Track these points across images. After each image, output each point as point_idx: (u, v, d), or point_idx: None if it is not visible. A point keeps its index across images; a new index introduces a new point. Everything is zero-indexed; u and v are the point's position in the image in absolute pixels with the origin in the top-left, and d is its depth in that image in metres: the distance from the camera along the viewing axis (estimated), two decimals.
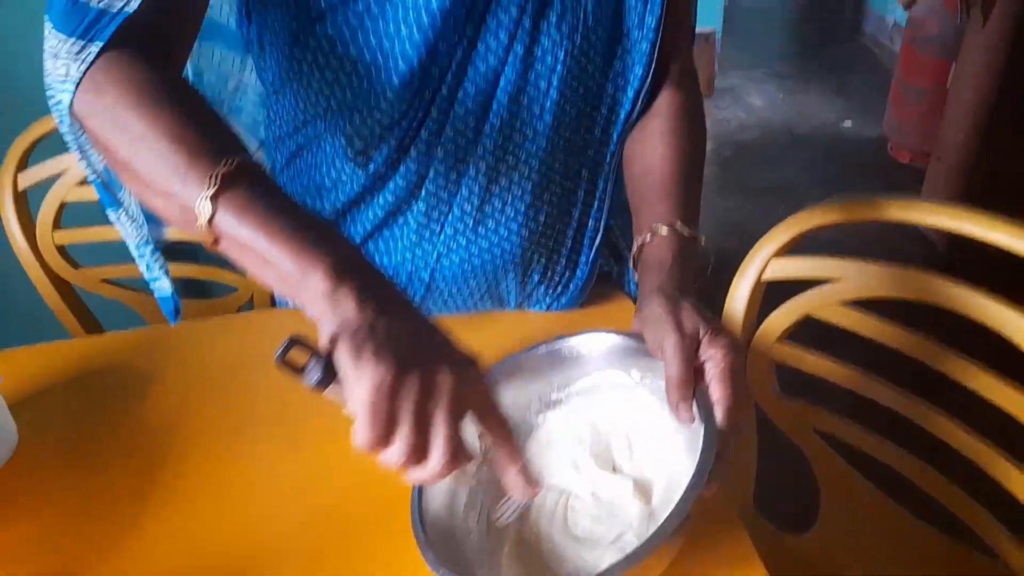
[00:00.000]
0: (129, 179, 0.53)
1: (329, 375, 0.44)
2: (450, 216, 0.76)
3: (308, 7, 0.66)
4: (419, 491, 0.56)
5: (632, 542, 0.56)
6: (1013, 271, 0.85)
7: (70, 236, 1.21)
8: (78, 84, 0.53)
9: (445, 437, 0.43)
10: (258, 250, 0.47)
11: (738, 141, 3.25)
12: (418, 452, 0.43)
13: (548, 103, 0.72)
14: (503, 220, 0.76)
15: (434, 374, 0.44)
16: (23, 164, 1.18)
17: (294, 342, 0.46)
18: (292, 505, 0.66)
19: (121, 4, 0.53)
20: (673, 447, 0.59)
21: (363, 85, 0.68)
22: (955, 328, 0.78)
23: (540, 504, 0.61)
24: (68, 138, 0.61)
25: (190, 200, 0.47)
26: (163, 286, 0.75)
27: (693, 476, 0.48)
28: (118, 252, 1.30)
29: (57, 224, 1.20)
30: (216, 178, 0.47)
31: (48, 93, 0.57)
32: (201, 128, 0.50)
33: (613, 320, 0.85)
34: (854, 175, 2.98)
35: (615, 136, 0.77)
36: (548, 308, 0.86)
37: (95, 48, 0.53)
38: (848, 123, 3.34)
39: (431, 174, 0.74)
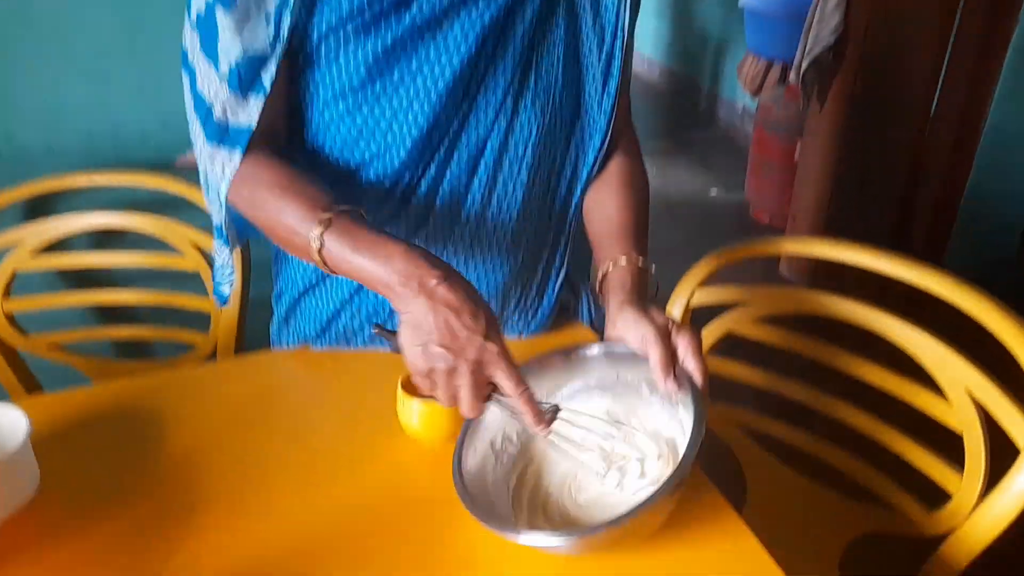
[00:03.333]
0: (268, 232, 0.78)
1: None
2: (444, 256, 0.90)
3: (340, 83, 0.81)
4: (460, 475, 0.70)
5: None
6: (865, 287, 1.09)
7: (19, 304, 1.25)
8: (231, 180, 0.78)
9: (465, 398, 0.67)
10: (355, 268, 0.69)
11: None
12: (452, 402, 0.68)
13: (524, 164, 0.89)
14: (489, 258, 0.91)
15: (464, 358, 0.65)
16: None
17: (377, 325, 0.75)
18: (311, 531, 0.72)
19: (247, 122, 0.77)
20: (655, 421, 0.76)
21: (381, 142, 0.84)
22: (838, 331, 1.00)
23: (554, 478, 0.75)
24: (213, 207, 0.83)
25: (308, 239, 0.71)
26: (223, 291, 0.95)
27: (694, 425, 0.64)
28: (68, 318, 1.33)
29: (7, 293, 1.23)
30: (322, 222, 0.71)
31: (206, 184, 0.83)
32: (311, 195, 0.74)
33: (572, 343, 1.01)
34: (723, 236, 3.35)
35: (578, 190, 0.95)
36: (520, 335, 1.00)
37: (238, 155, 0.77)
38: (714, 191, 3.75)
39: (429, 221, 0.89)
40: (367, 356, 0.98)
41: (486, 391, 0.68)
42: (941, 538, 0.86)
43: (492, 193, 0.89)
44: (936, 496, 0.89)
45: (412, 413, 0.79)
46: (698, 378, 0.70)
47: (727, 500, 0.75)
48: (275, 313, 1.04)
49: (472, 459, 0.73)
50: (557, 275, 0.98)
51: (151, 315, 1.37)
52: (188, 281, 1.24)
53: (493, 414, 0.75)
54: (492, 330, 0.66)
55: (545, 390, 0.78)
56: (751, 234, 3.34)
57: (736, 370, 1.06)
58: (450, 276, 0.67)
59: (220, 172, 0.78)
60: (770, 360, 1.05)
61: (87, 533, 0.71)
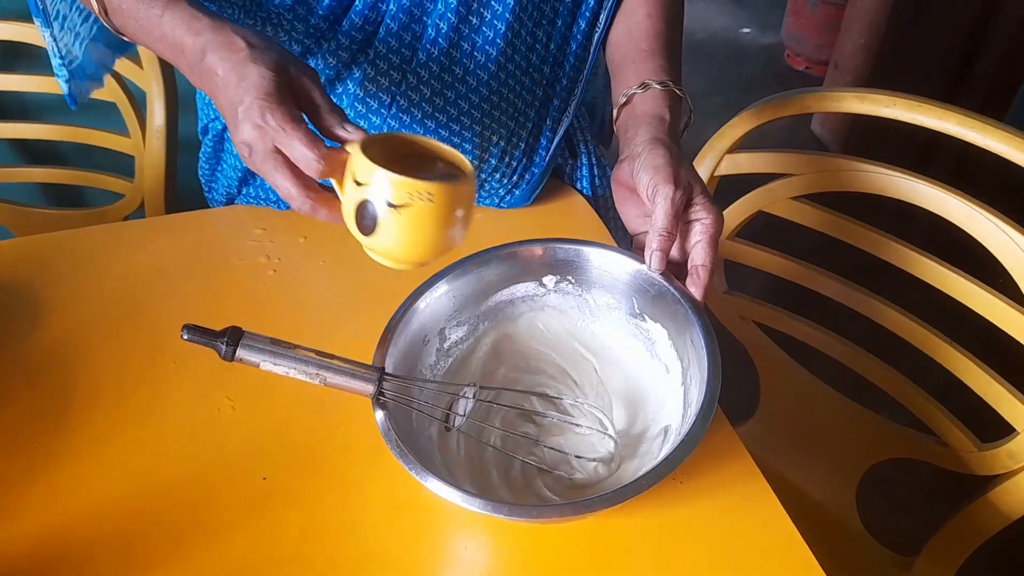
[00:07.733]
0: None
1: (230, 350, 0.46)
2: (396, 100, 0.69)
3: None
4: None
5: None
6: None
7: None
8: None
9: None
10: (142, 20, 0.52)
11: None
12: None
13: None
14: (464, 91, 0.70)
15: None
16: None
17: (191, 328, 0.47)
18: (232, 434, 0.58)
19: None
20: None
21: None
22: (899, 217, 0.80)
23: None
24: None
25: None
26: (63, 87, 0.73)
27: (706, 393, 0.47)
28: None
29: None
30: None
31: None
32: None
33: (564, 218, 0.81)
34: (751, 82, 3.03)
35: (581, 21, 0.72)
36: (499, 204, 0.81)
37: None
38: (746, 30, 3.37)
39: (381, 32, 0.66)
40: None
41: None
42: (987, 480, 0.72)
43: (467, 14, 0.66)
44: (991, 427, 0.73)
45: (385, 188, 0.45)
46: (702, 276, 0.53)
47: (734, 408, 0.60)
48: (202, 149, 0.84)
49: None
50: (557, 119, 0.77)
51: (74, 158, 1.16)
52: (109, 117, 1.02)
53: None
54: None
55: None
56: (784, 83, 3.00)
57: (757, 256, 0.88)
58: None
59: None
60: (796, 245, 0.86)
61: None
